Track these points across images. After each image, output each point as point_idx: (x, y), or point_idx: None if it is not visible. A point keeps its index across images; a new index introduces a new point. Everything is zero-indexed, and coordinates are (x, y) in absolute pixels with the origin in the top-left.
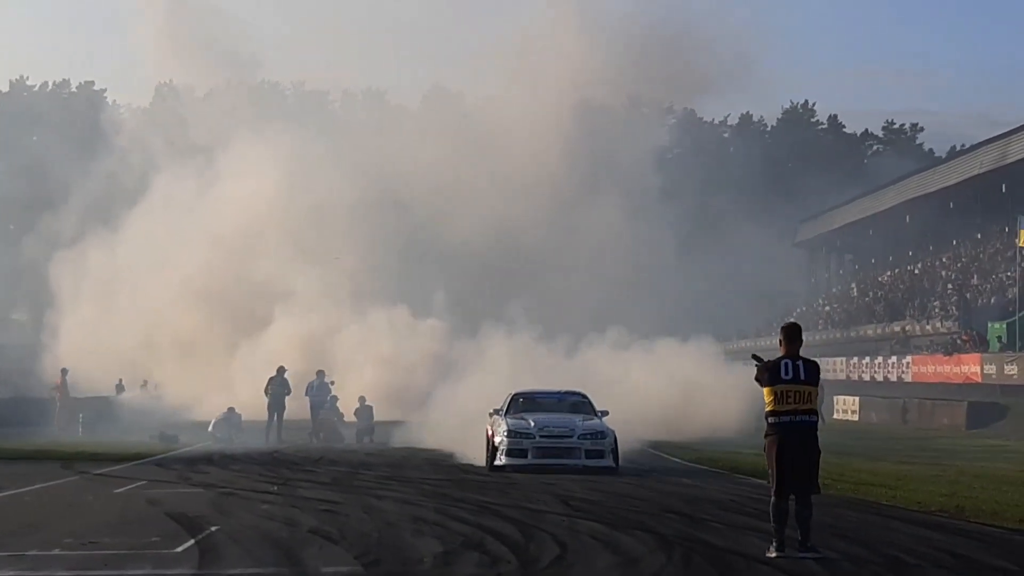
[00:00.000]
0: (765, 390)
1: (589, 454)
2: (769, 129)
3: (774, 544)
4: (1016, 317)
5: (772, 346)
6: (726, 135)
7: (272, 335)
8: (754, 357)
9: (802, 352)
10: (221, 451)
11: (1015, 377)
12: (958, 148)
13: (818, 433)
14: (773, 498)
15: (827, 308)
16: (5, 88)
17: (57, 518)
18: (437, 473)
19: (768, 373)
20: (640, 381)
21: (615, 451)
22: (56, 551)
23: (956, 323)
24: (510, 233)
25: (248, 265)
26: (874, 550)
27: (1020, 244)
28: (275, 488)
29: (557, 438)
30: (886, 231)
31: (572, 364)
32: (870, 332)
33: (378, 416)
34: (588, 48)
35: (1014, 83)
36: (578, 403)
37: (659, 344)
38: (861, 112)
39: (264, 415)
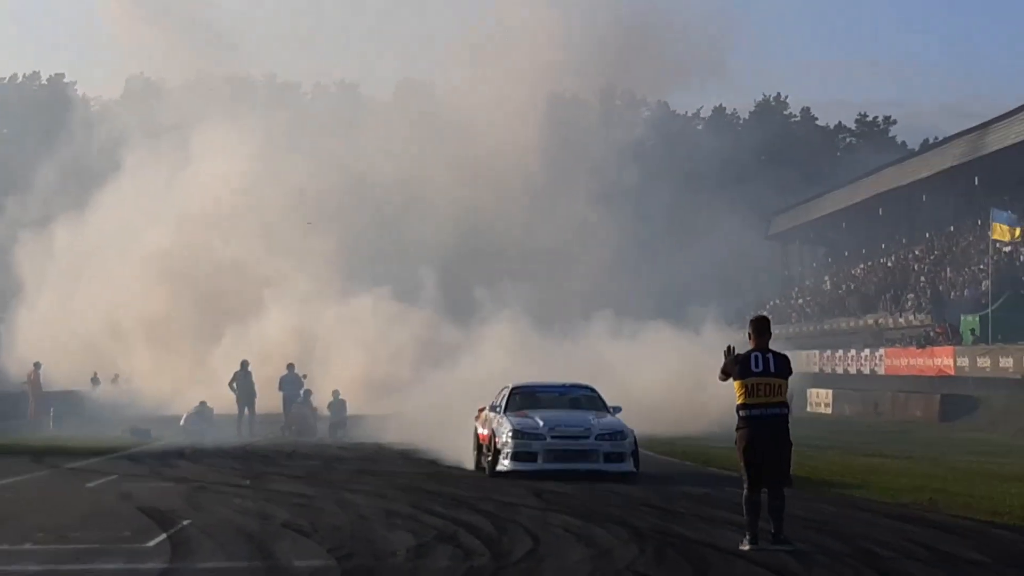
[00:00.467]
0: (735, 383)
1: (608, 457)
2: (742, 122)
3: (747, 537)
4: (989, 310)
5: (744, 339)
6: (699, 128)
7: (254, 325)
8: (728, 350)
9: (777, 345)
10: (193, 445)
11: (988, 370)
12: (931, 141)
13: (789, 426)
14: (745, 491)
15: (800, 301)
16: None
17: (28, 512)
18: (410, 467)
19: (738, 366)
20: (645, 370)
21: (635, 453)
22: (27, 545)
23: (929, 316)
24: (482, 224)
25: (221, 250)
26: (847, 542)
27: (993, 237)
28: (248, 482)
29: (572, 439)
30: (859, 224)
31: (572, 351)
32: (843, 325)
33: (360, 408)
34: (560, 39)
35: (987, 75)
36: (586, 398)
37: (658, 329)
38: (834, 104)
39: (235, 409)
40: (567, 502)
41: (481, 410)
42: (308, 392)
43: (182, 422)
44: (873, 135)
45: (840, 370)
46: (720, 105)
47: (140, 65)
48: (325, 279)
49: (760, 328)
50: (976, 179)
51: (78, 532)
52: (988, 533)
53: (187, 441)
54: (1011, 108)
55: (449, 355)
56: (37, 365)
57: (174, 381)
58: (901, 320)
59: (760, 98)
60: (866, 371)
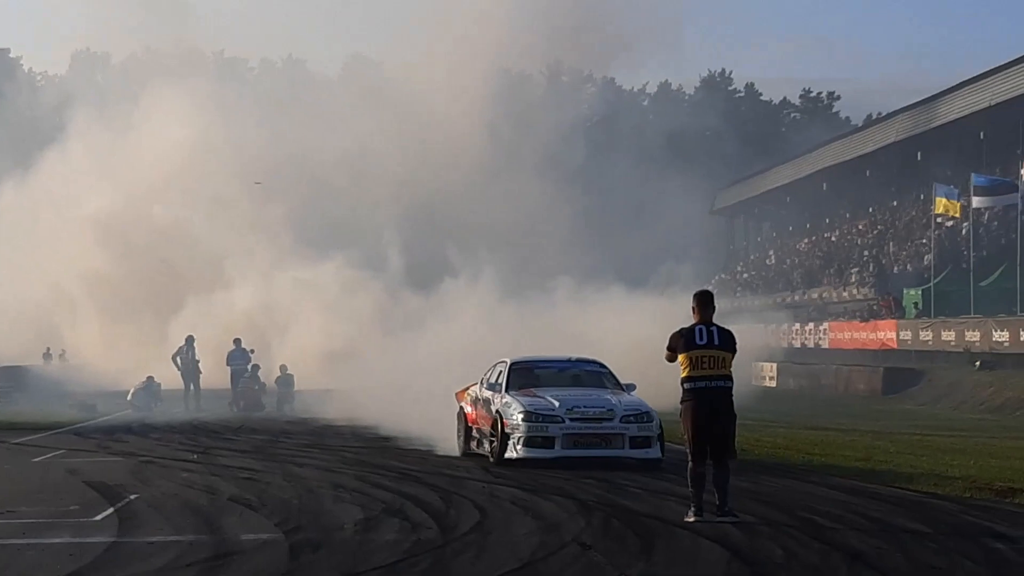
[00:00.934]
0: (680, 356)
1: (634, 443)
2: (687, 97)
3: (692, 509)
4: (932, 284)
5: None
6: (645, 103)
7: (211, 296)
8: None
9: (722, 319)
10: (141, 420)
11: (930, 343)
12: (874, 116)
13: (734, 399)
14: (690, 463)
15: (745, 275)
16: None
17: None
18: (358, 441)
19: (683, 339)
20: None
21: (661, 437)
22: None
23: (873, 290)
24: (430, 199)
25: (166, 217)
26: (791, 514)
27: (936, 212)
28: (195, 456)
29: (593, 422)
30: (803, 199)
31: (539, 319)
32: (788, 299)
33: (322, 381)
34: (508, 15)
35: (930, 51)
36: (596, 374)
37: (619, 295)
38: (778, 80)
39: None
40: (515, 475)
41: (466, 388)
42: (256, 367)
43: (129, 397)
44: (817, 111)
45: (785, 344)
46: (666, 81)
47: (86, 40)
48: (280, 247)
49: (704, 301)
50: (919, 154)
51: (25, 506)
52: (930, 504)
53: (134, 416)
54: (953, 83)
55: (412, 324)
56: None
57: (128, 355)
58: (845, 294)
59: (705, 74)
60: (810, 345)
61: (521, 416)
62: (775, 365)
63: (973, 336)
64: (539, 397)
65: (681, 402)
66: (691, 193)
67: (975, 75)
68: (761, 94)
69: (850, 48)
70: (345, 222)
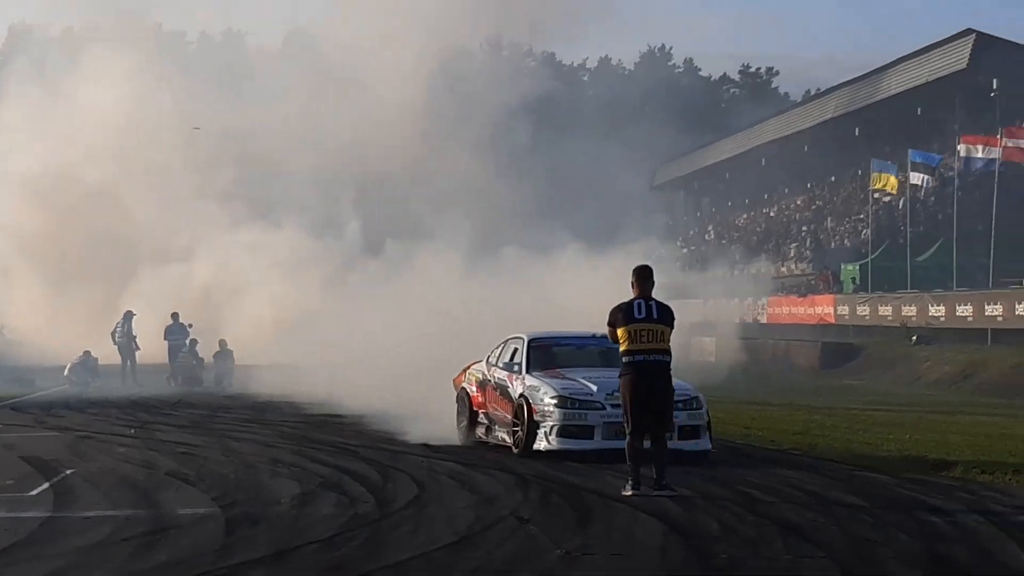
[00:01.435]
0: (620, 331)
1: (683, 432)
2: (627, 72)
3: (630, 482)
4: (869, 259)
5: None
6: (585, 78)
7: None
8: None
9: (662, 294)
10: (78, 395)
11: (867, 318)
12: (813, 92)
13: (671, 373)
14: (628, 437)
15: (684, 251)
16: None
17: None
18: (297, 416)
19: (622, 314)
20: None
21: (710, 425)
22: None
23: (811, 265)
24: (374, 172)
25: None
26: (728, 487)
27: (873, 187)
28: (132, 431)
29: None
30: (742, 174)
31: (500, 286)
32: (726, 274)
33: (282, 357)
34: None
35: (868, 28)
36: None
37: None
38: (717, 56)
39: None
40: (454, 450)
41: (465, 368)
42: (194, 341)
43: (66, 372)
44: (756, 86)
45: (723, 319)
46: (606, 56)
47: (22, 12)
48: (229, 216)
49: (643, 276)
50: (857, 130)
51: None
52: (866, 478)
53: (71, 391)
54: (891, 60)
55: (368, 294)
56: None
57: (74, 328)
58: (783, 269)
59: (645, 49)
60: (749, 320)
61: (554, 402)
62: (714, 340)
63: (910, 311)
64: (571, 379)
65: (620, 376)
66: (631, 169)
67: (912, 51)
68: (700, 69)
69: (789, 24)
70: (290, 192)
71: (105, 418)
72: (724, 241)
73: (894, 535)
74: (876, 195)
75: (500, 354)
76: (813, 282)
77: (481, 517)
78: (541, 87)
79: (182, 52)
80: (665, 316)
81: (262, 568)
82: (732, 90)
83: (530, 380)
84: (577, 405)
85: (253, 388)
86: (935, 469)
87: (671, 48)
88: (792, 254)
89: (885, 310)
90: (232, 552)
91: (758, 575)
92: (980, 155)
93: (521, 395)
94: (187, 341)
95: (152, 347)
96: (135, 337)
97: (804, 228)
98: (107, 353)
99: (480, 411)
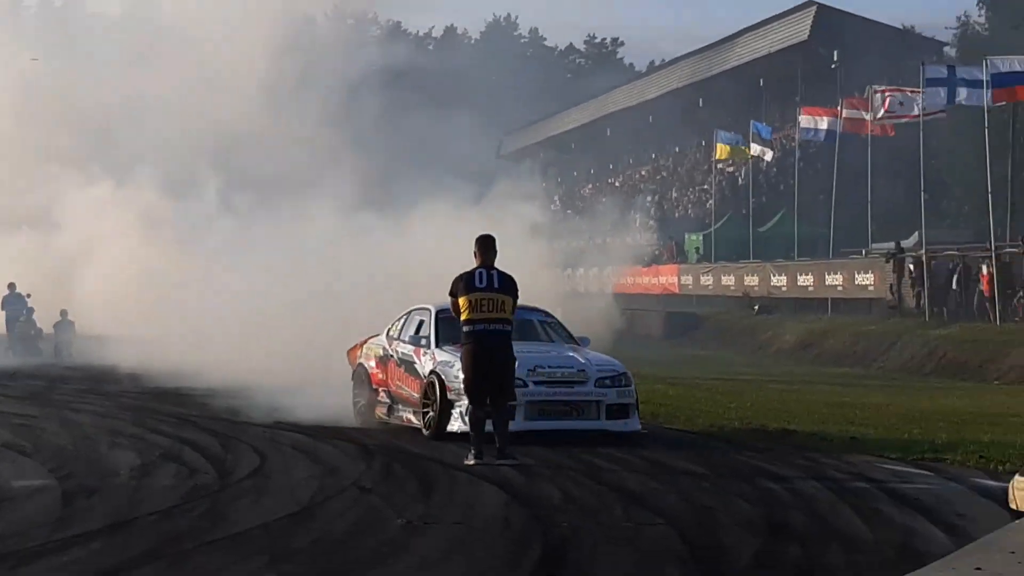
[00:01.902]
0: (461, 300)
1: (611, 411)
2: (473, 42)
3: (472, 452)
4: (712, 229)
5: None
6: (431, 47)
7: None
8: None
9: (508, 266)
10: None
11: (711, 288)
12: (657, 63)
13: (512, 343)
14: (470, 406)
15: (530, 221)
16: None
17: None
18: (139, 388)
19: (463, 283)
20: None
21: (637, 404)
22: None
23: (655, 235)
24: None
25: None
26: (571, 456)
27: (716, 158)
28: None
29: (563, 386)
30: (588, 144)
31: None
32: (572, 244)
33: (133, 326)
34: None
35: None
36: (543, 325)
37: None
38: (563, 26)
39: None
40: (298, 421)
41: (362, 342)
42: (31, 310)
43: None
44: (601, 57)
45: (569, 289)
46: (451, 25)
47: None
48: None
49: (485, 246)
50: (701, 100)
51: None
52: (707, 446)
53: None
54: (734, 31)
55: (227, 260)
56: None
57: None
58: (628, 239)
59: (490, 19)
60: (594, 290)
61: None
62: (559, 310)
63: (752, 281)
64: None
65: (461, 345)
66: (477, 139)
67: (755, 23)
68: (546, 40)
69: None
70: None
71: None
72: (570, 211)
73: (733, 502)
74: (720, 166)
75: (403, 327)
76: (657, 252)
77: (323, 487)
78: (387, 56)
79: (20, 16)
80: (507, 286)
81: (99, 540)
82: (578, 60)
83: (441, 355)
84: None
85: (96, 359)
86: (775, 437)
87: (516, 18)
88: (637, 224)
89: (728, 280)
90: (69, 524)
91: (599, 543)
92: (820, 126)
93: (432, 372)
94: (24, 311)
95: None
96: None
97: (649, 198)
98: None
99: (381, 389)
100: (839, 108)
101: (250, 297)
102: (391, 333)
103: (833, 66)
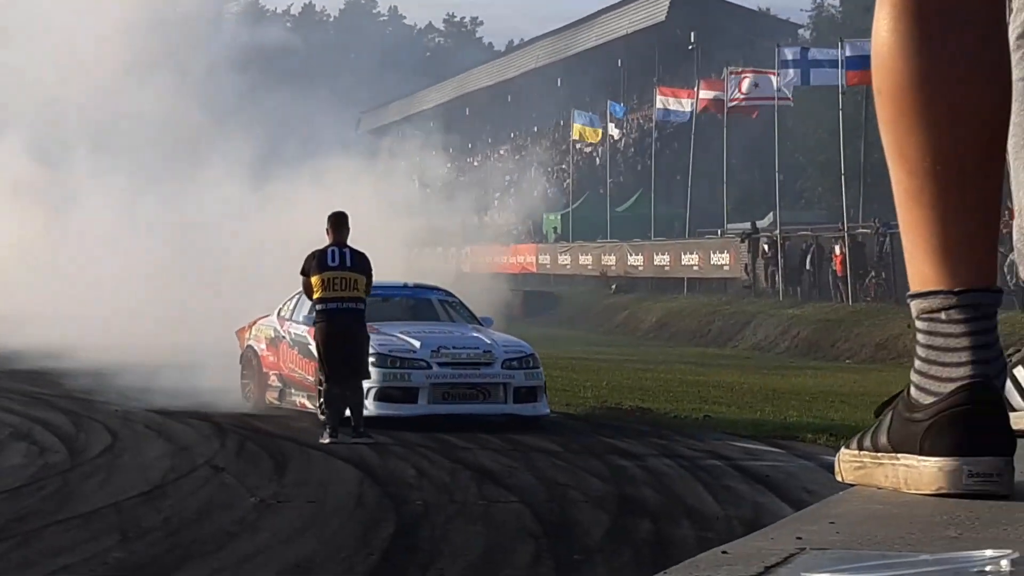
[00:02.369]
0: (313, 279)
1: (519, 394)
2: (332, 20)
3: (327, 430)
4: (570, 209)
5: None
6: (289, 24)
7: None
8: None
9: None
10: None
11: (568, 267)
12: (516, 42)
13: (365, 320)
14: (325, 385)
15: (390, 199)
16: None
17: None
18: None
19: (315, 261)
20: None
21: (545, 387)
22: None
23: (513, 215)
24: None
25: None
26: (425, 434)
27: (574, 138)
28: None
29: (469, 367)
30: (447, 123)
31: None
32: (431, 223)
33: None
34: None
35: None
36: (443, 305)
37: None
38: (422, 4)
39: None
40: (148, 399)
41: (252, 323)
42: None
43: None
44: (461, 35)
45: (428, 268)
46: (310, 3)
47: None
48: None
49: (337, 223)
50: (559, 80)
51: None
52: (562, 424)
53: None
54: (592, 12)
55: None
56: None
57: None
58: (487, 219)
59: None
60: (451, 269)
61: (371, 360)
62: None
63: (609, 260)
64: (388, 335)
65: (314, 324)
66: (336, 116)
67: (613, 3)
68: (405, 18)
69: None
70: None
71: None
72: (428, 190)
73: (586, 479)
74: (578, 146)
75: (296, 306)
76: (515, 231)
77: (176, 466)
78: (244, 34)
79: None
80: (359, 264)
81: None
82: (437, 39)
83: None
84: (398, 364)
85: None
86: (629, 415)
87: None
88: (495, 203)
89: (585, 259)
90: None
91: (452, 520)
92: (677, 107)
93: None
94: None
95: None
96: None
97: (507, 178)
98: None
99: (272, 372)
100: (695, 89)
101: (121, 272)
102: (283, 313)
103: (691, 47)
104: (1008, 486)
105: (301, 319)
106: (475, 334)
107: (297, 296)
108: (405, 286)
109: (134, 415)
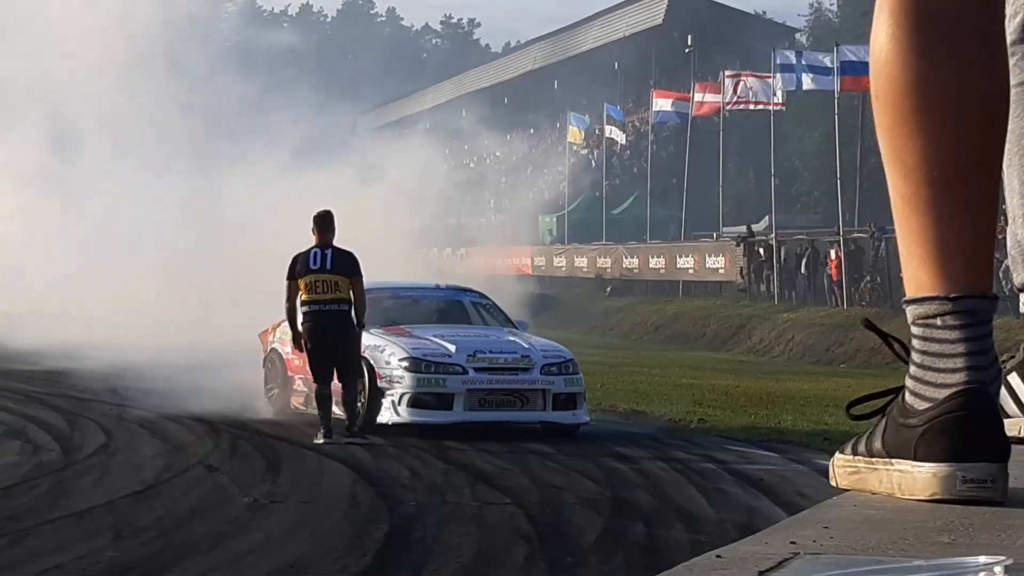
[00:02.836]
0: (301, 282)
1: (557, 401)
2: (329, 21)
3: (321, 431)
4: (566, 211)
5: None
6: (286, 25)
7: None
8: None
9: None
10: None
11: (564, 269)
12: (513, 44)
13: (353, 320)
14: (315, 385)
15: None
16: None
17: None
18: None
19: (300, 264)
20: None
21: (585, 394)
22: None
23: (509, 216)
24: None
25: None
26: (421, 436)
27: (570, 140)
28: None
29: (507, 373)
30: (443, 125)
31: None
32: (427, 225)
33: None
34: None
35: None
36: (479, 307)
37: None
38: (419, 6)
39: None
40: (143, 398)
41: (276, 325)
42: None
43: None
44: (457, 37)
45: (423, 269)
46: (307, 3)
47: None
48: None
49: (323, 224)
50: (556, 83)
51: None
52: (556, 426)
53: None
54: (589, 14)
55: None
56: None
57: None
58: (482, 220)
59: None
60: (447, 270)
61: (404, 365)
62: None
63: (605, 263)
64: (422, 338)
65: (302, 325)
66: (333, 118)
67: (610, 6)
68: (402, 19)
69: None
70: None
71: None
72: (424, 192)
73: (579, 481)
74: (574, 148)
75: None
76: (511, 233)
77: (170, 465)
78: (240, 33)
79: None
80: (341, 266)
81: None
82: (434, 40)
83: (369, 339)
84: (433, 369)
85: None
86: (624, 417)
87: None
88: (491, 205)
89: (581, 261)
90: None
91: (445, 522)
92: (673, 110)
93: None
94: None
95: None
96: None
97: (503, 179)
98: None
99: (297, 376)
100: (691, 92)
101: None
102: None
103: (687, 50)
104: (1002, 492)
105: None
106: (512, 338)
107: None
108: (437, 287)
109: (128, 414)
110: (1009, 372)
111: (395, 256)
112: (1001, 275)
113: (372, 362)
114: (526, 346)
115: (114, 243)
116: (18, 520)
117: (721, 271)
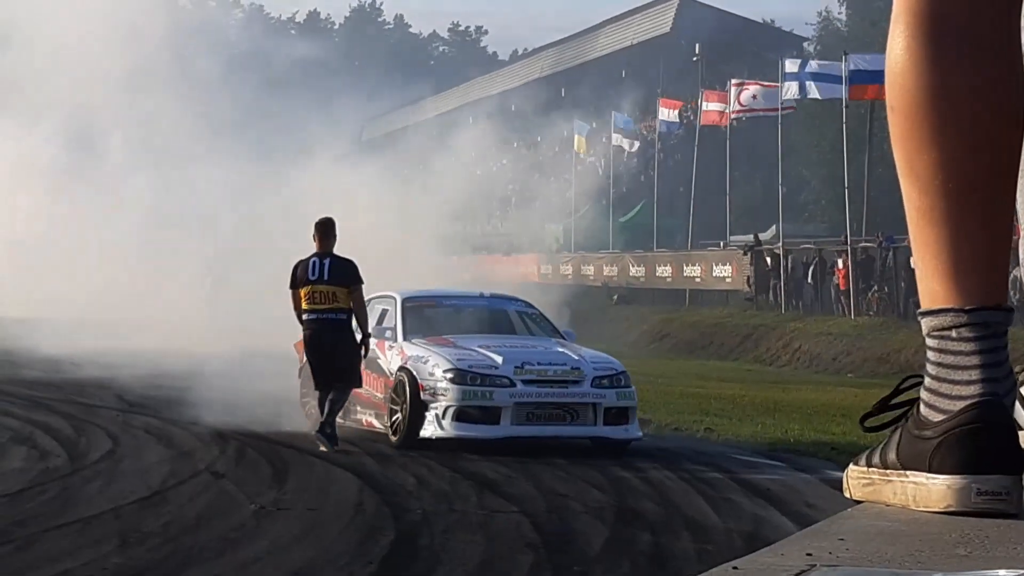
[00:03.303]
0: (301, 291)
1: (609, 415)
2: (337, 27)
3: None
4: (572, 219)
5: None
6: (293, 32)
7: None
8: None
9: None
10: None
11: (570, 277)
12: (520, 52)
13: (352, 328)
14: (318, 393)
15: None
16: None
17: None
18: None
19: (299, 273)
20: None
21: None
22: None
23: (516, 224)
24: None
25: None
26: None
27: (576, 149)
28: None
29: (556, 385)
30: (450, 132)
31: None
32: (434, 232)
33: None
34: None
35: None
36: (525, 317)
37: None
38: (427, 13)
39: None
40: (149, 404)
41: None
42: None
43: None
44: (465, 45)
45: (432, 277)
46: (315, 10)
47: None
48: None
49: (324, 231)
50: (563, 91)
51: None
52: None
53: None
54: (597, 22)
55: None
56: None
57: None
58: (488, 228)
59: (355, 4)
60: (455, 278)
61: (449, 376)
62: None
63: (611, 271)
64: (467, 349)
65: (302, 333)
66: (339, 125)
67: (618, 14)
68: (410, 26)
69: None
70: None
71: None
72: (431, 199)
73: (585, 490)
74: (580, 156)
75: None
76: (517, 241)
77: (176, 472)
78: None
79: None
80: (337, 276)
81: None
82: (441, 48)
83: (412, 349)
84: (479, 381)
85: None
86: None
87: (381, 4)
88: (498, 214)
89: (587, 269)
90: None
91: (451, 530)
92: (680, 118)
93: (401, 368)
94: None
95: None
96: None
97: (509, 187)
98: None
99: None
100: (699, 100)
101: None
102: None
103: (695, 59)
104: (1017, 505)
105: (370, 331)
106: (560, 349)
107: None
108: (481, 295)
109: (134, 420)
110: (1023, 384)
111: (402, 262)
112: (1010, 285)
113: (415, 373)
114: (576, 357)
115: (150, 251)
116: (24, 526)
117: (728, 280)
